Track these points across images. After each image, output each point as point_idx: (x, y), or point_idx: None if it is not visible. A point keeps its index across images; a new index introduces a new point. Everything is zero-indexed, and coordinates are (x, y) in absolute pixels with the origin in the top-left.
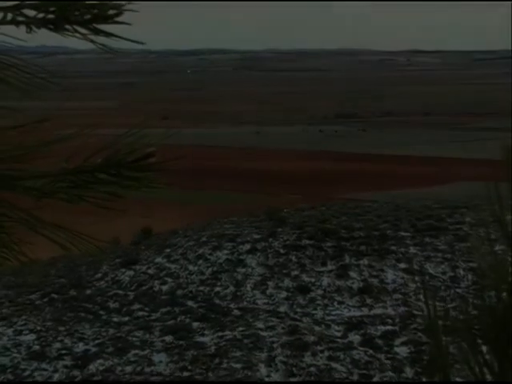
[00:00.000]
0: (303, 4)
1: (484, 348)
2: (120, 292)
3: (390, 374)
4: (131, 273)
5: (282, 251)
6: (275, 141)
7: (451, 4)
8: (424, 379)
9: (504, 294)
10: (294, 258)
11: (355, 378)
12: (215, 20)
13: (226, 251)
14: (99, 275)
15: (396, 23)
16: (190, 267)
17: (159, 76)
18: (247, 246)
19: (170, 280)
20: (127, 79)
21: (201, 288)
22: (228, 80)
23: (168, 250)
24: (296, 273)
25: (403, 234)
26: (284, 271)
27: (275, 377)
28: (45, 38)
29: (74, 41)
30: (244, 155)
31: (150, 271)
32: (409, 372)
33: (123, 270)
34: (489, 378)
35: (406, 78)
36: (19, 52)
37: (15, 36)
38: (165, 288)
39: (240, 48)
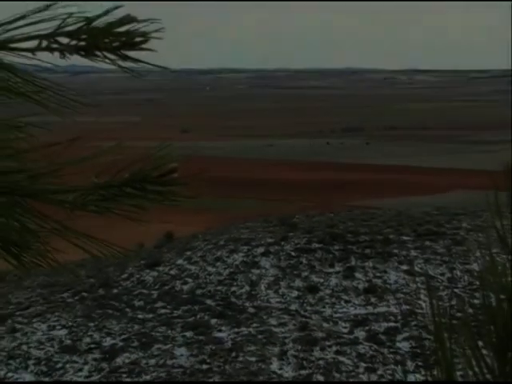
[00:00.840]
0: (311, 26)
1: (481, 343)
2: (144, 291)
3: (393, 366)
4: (155, 273)
5: (293, 254)
6: (287, 152)
7: (450, 25)
8: (426, 374)
9: (502, 296)
10: (304, 260)
11: (361, 370)
12: (230, 42)
13: (241, 254)
14: (125, 275)
15: (399, 43)
16: (209, 268)
17: (180, 93)
18: (261, 249)
19: (190, 280)
20: (150, 96)
21: (219, 288)
22: (243, 97)
23: (188, 253)
24: (306, 274)
25: (405, 238)
26: (295, 272)
27: (287, 369)
28: (75, 58)
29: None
30: (258, 166)
31: (172, 272)
32: (410, 365)
33: (147, 270)
34: (488, 375)
35: (407, 95)
36: (51, 71)
37: (48, 60)
38: (186, 287)
39: (254, 67)
